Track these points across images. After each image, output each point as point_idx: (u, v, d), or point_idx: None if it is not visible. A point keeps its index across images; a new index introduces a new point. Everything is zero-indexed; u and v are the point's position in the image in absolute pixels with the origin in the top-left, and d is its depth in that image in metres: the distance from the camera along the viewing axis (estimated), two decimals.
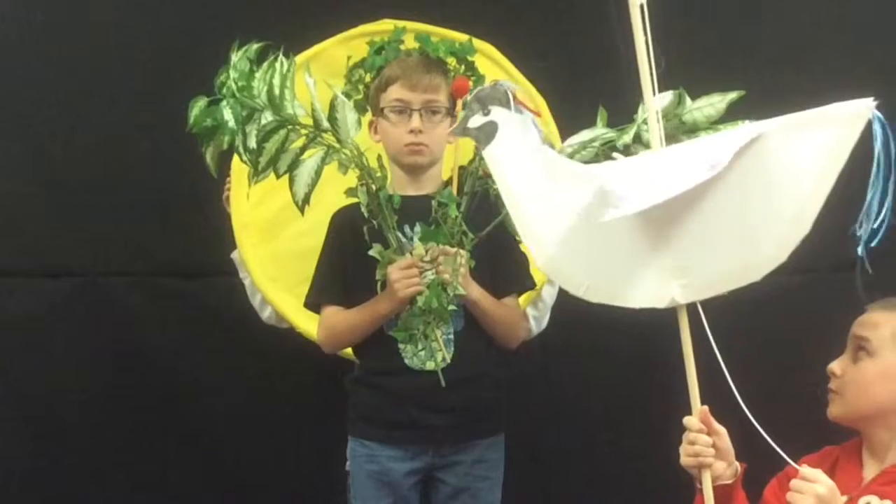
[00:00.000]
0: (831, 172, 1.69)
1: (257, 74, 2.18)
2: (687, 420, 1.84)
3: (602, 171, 1.85)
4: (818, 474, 1.76)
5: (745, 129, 1.79)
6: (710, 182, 1.73)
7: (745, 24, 2.95)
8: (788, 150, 1.73)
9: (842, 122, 1.69)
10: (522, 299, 2.56)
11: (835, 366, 2.02)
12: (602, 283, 1.82)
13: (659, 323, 1.96)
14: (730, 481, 1.86)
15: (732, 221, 1.75)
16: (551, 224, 1.84)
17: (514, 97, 1.89)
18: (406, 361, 2.30)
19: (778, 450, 1.78)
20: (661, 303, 1.80)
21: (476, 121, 1.91)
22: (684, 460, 1.84)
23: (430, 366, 2.28)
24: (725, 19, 2.94)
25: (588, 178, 1.82)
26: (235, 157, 2.51)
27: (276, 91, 2.16)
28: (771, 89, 2.62)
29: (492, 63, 2.58)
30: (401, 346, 2.29)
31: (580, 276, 1.83)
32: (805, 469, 1.78)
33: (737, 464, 1.88)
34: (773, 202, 1.73)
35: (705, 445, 1.82)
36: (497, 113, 1.89)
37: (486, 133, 1.89)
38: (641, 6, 1.80)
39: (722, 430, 1.84)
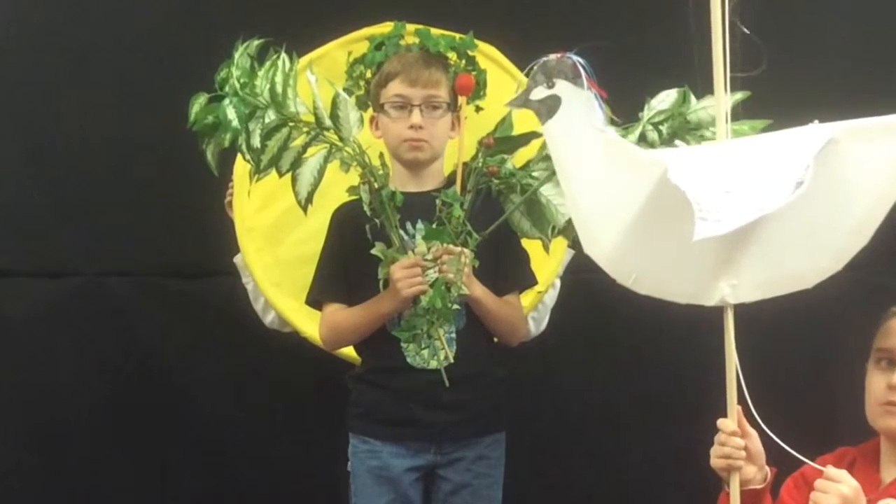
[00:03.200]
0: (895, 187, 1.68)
1: (260, 72, 2.17)
2: (721, 422, 1.81)
3: (667, 159, 1.78)
4: (843, 474, 1.73)
5: (815, 130, 1.74)
6: None
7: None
8: (855, 160, 1.70)
9: None
10: (527, 300, 2.55)
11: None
12: (651, 275, 1.78)
13: (661, 322, 1.95)
14: (760, 486, 1.85)
15: (793, 227, 1.72)
16: (605, 209, 1.79)
17: (585, 73, 1.80)
18: (408, 360, 2.29)
19: (792, 452, 1.76)
20: (709, 301, 1.76)
21: (539, 93, 1.82)
22: (714, 462, 1.82)
23: (432, 364, 2.27)
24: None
25: (650, 166, 1.77)
26: (238, 162, 2.53)
27: (279, 89, 2.15)
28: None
29: (494, 65, 2.56)
30: (403, 344, 2.28)
31: (629, 266, 1.78)
32: (830, 469, 1.75)
33: (767, 468, 1.86)
34: (835, 212, 1.71)
35: (736, 448, 1.80)
36: (562, 87, 1.80)
37: (549, 107, 1.81)
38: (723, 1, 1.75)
39: (754, 433, 1.82)
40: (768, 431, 1.76)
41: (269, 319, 2.72)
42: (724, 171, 1.72)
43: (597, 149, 1.81)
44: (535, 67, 1.83)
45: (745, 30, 1.76)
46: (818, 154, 1.67)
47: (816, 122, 1.75)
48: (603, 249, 1.80)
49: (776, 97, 2.14)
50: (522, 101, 1.85)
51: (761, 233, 1.72)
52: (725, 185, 1.69)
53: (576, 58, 1.81)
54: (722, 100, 1.79)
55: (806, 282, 1.73)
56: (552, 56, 1.83)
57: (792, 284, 1.74)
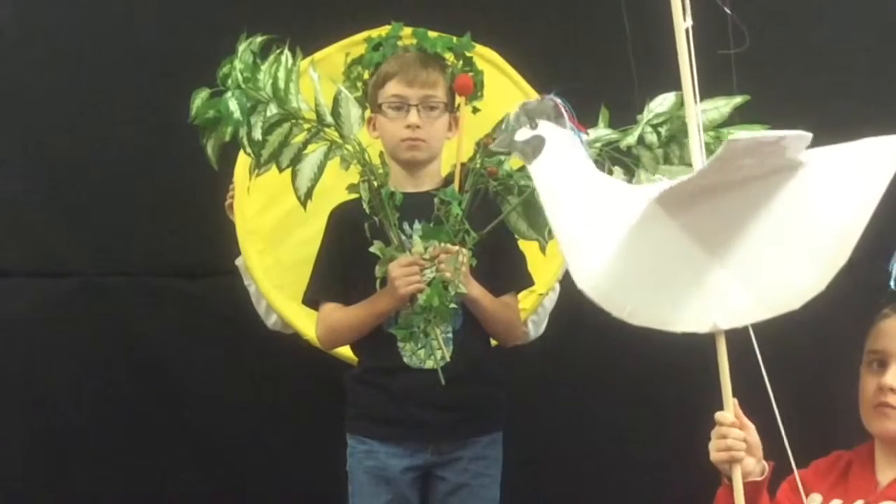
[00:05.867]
0: (869, 205, 1.71)
1: (263, 67, 2.18)
2: (719, 415, 1.83)
3: (650, 191, 1.82)
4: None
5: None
6: (754, 210, 1.74)
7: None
8: (828, 182, 1.74)
9: (879, 157, 1.73)
10: (528, 303, 2.57)
11: (892, 380, 1.95)
12: (645, 307, 1.80)
13: None
14: (759, 478, 1.86)
15: (774, 251, 1.75)
16: (595, 244, 1.81)
17: (566, 111, 1.85)
18: (405, 360, 2.30)
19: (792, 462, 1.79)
20: (702, 328, 1.79)
21: (523, 134, 1.86)
22: (715, 455, 1.84)
23: (429, 364, 2.28)
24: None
25: (635, 199, 1.80)
26: (238, 164, 2.55)
27: (281, 84, 2.17)
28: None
29: (491, 66, 2.58)
30: (400, 344, 2.29)
31: (623, 299, 1.80)
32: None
33: (764, 462, 1.87)
34: (813, 233, 1.75)
35: (737, 439, 1.81)
36: (544, 127, 1.85)
37: (533, 148, 1.85)
38: (687, 30, 1.78)
39: (751, 425, 1.84)
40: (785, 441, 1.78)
41: (271, 322, 2.72)
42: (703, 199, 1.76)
43: (582, 186, 1.85)
44: (518, 109, 1.89)
45: (727, 10, 1.79)
46: (790, 179, 1.73)
47: None
48: (595, 284, 1.82)
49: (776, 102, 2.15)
50: (507, 142, 1.89)
51: (744, 258, 1.76)
52: (705, 214, 1.74)
53: (556, 98, 1.87)
54: (692, 109, 1.82)
55: (792, 303, 1.75)
56: (531, 100, 1.90)
57: (779, 307, 1.76)
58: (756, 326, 2.58)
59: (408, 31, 2.42)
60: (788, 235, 1.75)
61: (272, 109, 2.16)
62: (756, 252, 1.76)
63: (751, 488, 1.84)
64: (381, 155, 2.33)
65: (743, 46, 1.82)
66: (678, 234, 1.76)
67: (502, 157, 2.32)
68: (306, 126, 2.20)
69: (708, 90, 2.04)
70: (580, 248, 1.83)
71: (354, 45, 2.52)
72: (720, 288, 1.77)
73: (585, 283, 1.82)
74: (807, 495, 1.92)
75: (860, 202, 1.72)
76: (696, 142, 1.84)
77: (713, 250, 1.76)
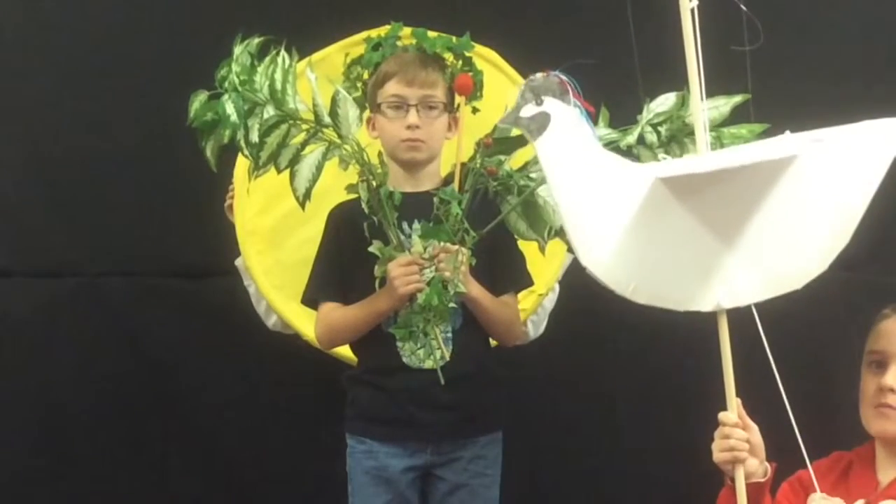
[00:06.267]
0: (870, 187, 1.73)
1: (259, 69, 2.18)
2: (723, 415, 1.84)
3: (655, 169, 1.84)
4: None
5: (788, 139, 1.81)
6: (757, 191, 1.75)
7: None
8: (830, 163, 1.76)
9: (879, 139, 1.74)
10: (527, 303, 2.57)
11: (892, 380, 1.96)
12: (648, 285, 1.81)
13: (661, 322, 1.96)
14: (761, 479, 1.86)
15: (777, 231, 1.77)
16: (600, 222, 1.82)
17: (571, 89, 1.85)
18: (404, 360, 2.30)
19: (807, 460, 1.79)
20: (705, 306, 1.80)
21: (528, 110, 1.87)
22: (718, 456, 1.84)
23: (428, 364, 2.27)
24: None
25: (640, 177, 1.81)
26: (238, 165, 2.54)
27: (278, 86, 2.16)
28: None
29: (490, 66, 2.58)
30: (399, 343, 2.29)
31: (627, 277, 1.81)
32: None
33: (767, 463, 1.88)
34: (815, 214, 1.76)
35: (740, 440, 1.82)
36: (550, 104, 1.85)
37: (539, 124, 1.85)
38: (693, 10, 1.79)
39: (754, 426, 1.85)
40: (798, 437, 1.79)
41: (271, 322, 2.72)
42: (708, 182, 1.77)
43: (587, 163, 1.85)
44: (523, 86, 1.88)
45: (743, 7, 1.80)
46: (795, 161, 1.74)
47: (788, 132, 1.82)
48: (599, 261, 1.82)
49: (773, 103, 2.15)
50: (512, 119, 1.90)
51: (748, 238, 1.77)
52: (710, 196, 1.75)
53: (562, 75, 1.87)
54: (698, 108, 1.83)
55: (795, 283, 1.77)
56: (538, 74, 1.88)
57: (782, 286, 1.78)
58: (756, 327, 2.58)
59: (407, 30, 2.43)
60: (791, 216, 1.76)
61: (269, 111, 2.16)
62: (759, 232, 1.77)
63: (753, 489, 1.84)
64: (379, 155, 2.33)
65: (757, 44, 1.82)
66: (683, 214, 1.77)
67: (502, 157, 2.32)
68: (304, 127, 2.20)
69: (708, 90, 2.05)
70: (584, 225, 1.83)
71: (354, 45, 2.52)
72: (724, 267, 1.78)
73: (589, 261, 1.83)
74: (808, 496, 1.92)
75: (861, 184, 1.73)
76: (700, 122, 1.84)
77: (717, 231, 1.77)
